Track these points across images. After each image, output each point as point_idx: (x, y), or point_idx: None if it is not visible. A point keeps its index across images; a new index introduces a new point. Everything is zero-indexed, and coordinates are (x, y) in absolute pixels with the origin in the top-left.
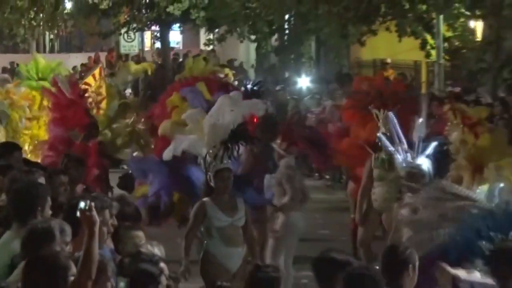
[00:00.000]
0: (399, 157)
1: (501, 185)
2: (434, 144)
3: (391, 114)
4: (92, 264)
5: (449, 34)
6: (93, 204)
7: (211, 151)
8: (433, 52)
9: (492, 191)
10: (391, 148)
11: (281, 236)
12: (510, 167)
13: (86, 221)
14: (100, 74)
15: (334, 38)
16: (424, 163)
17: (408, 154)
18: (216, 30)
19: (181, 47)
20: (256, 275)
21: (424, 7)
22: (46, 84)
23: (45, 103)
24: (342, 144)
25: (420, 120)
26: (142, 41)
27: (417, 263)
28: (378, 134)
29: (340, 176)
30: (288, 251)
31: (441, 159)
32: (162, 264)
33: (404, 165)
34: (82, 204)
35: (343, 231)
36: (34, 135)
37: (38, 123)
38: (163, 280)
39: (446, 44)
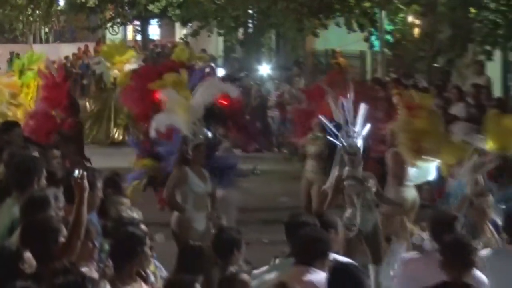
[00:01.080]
0: (341, 138)
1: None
2: (368, 126)
3: (342, 99)
4: (81, 227)
5: (390, 27)
6: (84, 173)
7: (191, 127)
8: (377, 43)
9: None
10: (332, 130)
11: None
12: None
13: (77, 188)
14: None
15: (292, 31)
16: (360, 143)
17: (351, 136)
18: (189, 24)
19: (159, 39)
20: (221, 236)
21: (368, 3)
22: (29, 73)
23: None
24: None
25: (364, 105)
26: (125, 34)
27: (339, 228)
28: (320, 117)
29: (296, 150)
30: (229, 219)
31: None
32: (143, 227)
33: (346, 144)
34: (75, 173)
35: (299, 199)
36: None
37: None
38: (148, 241)
39: (388, 36)
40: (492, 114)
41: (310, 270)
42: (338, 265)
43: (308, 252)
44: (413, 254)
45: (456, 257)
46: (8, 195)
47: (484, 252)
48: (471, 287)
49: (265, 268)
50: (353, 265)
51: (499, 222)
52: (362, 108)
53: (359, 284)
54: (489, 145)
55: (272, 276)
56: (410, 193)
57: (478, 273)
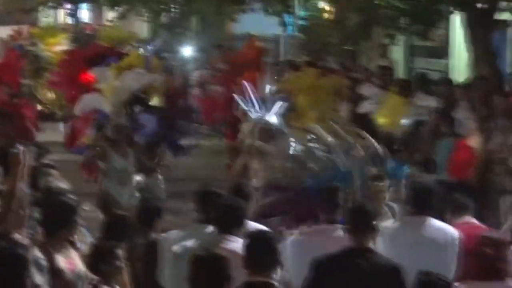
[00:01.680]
0: (252, 116)
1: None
2: (279, 103)
3: (244, 82)
4: (14, 198)
5: (303, 13)
6: (21, 149)
7: (113, 109)
8: (291, 28)
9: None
10: (246, 108)
11: None
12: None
13: (14, 162)
14: None
15: (212, 16)
16: (273, 119)
17: (259, 113)
18: (117, 8)
19: (89, 22)
20: (144, 205)
21: None
22: None
23: None
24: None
25: (269, 84)
26: (57, 17)
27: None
28: (235, 96)
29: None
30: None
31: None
32: (71, 196)
33: (256, 122)
34: (13, 149)
35: (218, 172)
36: None
37: None
38: (81, 211)
39: (301, 21)
40: (390, 95)
41: (230, 238)
42: (254, 232)
43: (228, 220)
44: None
45: (359, 222)
46: None
47: (387, 223)
48: (373, 251)
49: (176, 231)
50: (267, 232)
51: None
52: (267, 87)
53: (272, 249)
54: (380, 120)
55: (192, 243)
56: None
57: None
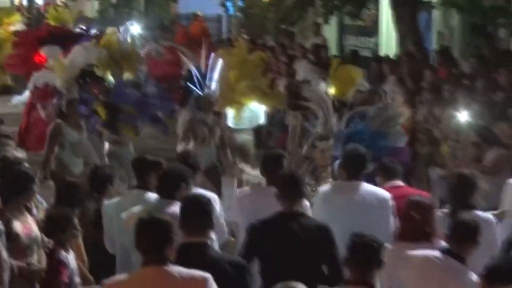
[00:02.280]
0: (203, 90)
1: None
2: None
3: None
4: None
5: None
6: None
7: (65, 84)
8: (231, 8)
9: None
10: (199, 79)
11: None
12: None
13: None
14: None
15: None
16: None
17: (209, 88)
18: None
19: (42, 3)
20: (96, 172)
21: None
22: None
23: None
24: None
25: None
26: None
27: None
28: (189, 67)
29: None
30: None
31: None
32: (26, 165)
33: (202, 93)
34: None
35: (164, 141)
36: None
37: None
38: (37, 180)
39: (240, 2)
40: (335, 64)
41: (173, 202)
42: (188, 195)
43: (168, 186)
44: (245, 188)
45: (289, 189)
46: None
47: (324, 187)
48: (303, 214)
49: (116, 198)
50: (202, 196)
51: None
52: (218, 63)
53: (206, 212)
54: (331, 90)
55: (138, 208)
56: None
57: (306, 202)
